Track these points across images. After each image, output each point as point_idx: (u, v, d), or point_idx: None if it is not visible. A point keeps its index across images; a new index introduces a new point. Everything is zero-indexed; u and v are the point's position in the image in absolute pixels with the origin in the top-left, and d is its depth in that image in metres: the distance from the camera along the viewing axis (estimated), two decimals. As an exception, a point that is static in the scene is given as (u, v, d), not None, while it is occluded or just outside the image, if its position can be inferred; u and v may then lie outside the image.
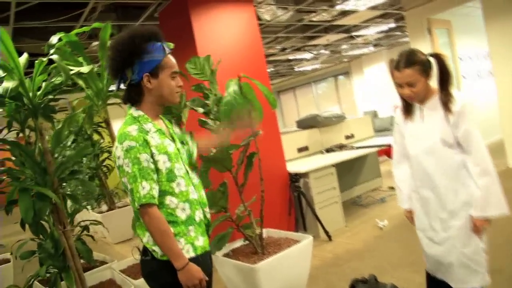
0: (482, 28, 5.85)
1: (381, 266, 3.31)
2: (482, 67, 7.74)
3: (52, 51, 2.26)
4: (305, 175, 4.33)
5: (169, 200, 1.58)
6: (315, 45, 8.44)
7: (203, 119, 2.91)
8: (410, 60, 1.83)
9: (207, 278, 1.60)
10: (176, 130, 1.84)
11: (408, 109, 2.01)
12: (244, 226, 2.98)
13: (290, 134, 5.42)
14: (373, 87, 11.65)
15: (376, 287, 2.46)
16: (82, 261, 2.97)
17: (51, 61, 2.22)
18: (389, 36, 9.08)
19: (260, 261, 2.75)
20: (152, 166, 1.54)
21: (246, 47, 4.20)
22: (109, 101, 2.88)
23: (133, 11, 4.49)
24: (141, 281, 2.50)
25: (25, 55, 2.38)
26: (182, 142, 1.81)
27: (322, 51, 9.34)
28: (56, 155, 2.49)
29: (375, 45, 10.14)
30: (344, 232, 4.43)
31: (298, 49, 8.55)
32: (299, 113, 14.75)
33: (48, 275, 2.76)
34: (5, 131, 2.78)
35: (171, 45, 1.93)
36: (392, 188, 5.84)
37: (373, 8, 6.07)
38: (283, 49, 8.28)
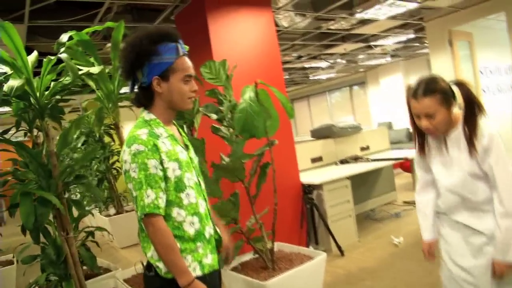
0: (504, 41, 5.68)
1: (397, 287, 3.14)
2: (503, 81, 7.54)
3: (62, 49, 2.16)
4: (318, 186, 4.19)
5: (176, 212, 1.45)
6: (331, 54, 8.31)
7: (216, 126, 2.81)
8: (430, 88, 1.60)
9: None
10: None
11: (423, 146, 1.82)
12: (255, 239, 2.84)
13: (304, 144, 5.29)
14: (388, 98, 11.47)
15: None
16: (85, 267, 2.87)
17: (60, 60, 2.13)
18: (407, 47, 8.92)
19: (270, 277, 2.61)
20: (161, 173, 1.41)
21: (263, 53, 4.08)
22: (121, 104, 2.80)
23: (149, 13, 4.42)
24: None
25: (34, 53, 2.29)
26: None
27: (339, 60, 9.20)
28: (63, 158, 2.39)
29: (392, 56, 9.98)
30: (357, 247, 4.26)
31: (314, 58, 8.44)
32: (312, 122, 14.60)
33: (48, 282, 2.65)
34: (12, 131, 2.71)
35: (186, 47, 1.82)
36: (407, 202, 5.66)
37: (393, 17, 5.93)
38: (299, 57, 8.17)
